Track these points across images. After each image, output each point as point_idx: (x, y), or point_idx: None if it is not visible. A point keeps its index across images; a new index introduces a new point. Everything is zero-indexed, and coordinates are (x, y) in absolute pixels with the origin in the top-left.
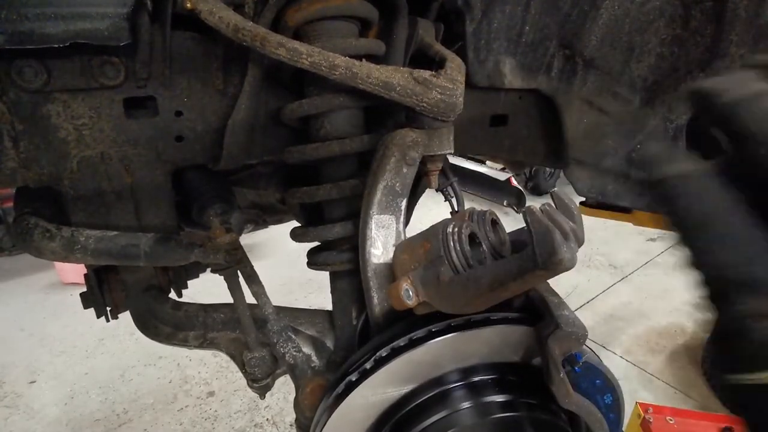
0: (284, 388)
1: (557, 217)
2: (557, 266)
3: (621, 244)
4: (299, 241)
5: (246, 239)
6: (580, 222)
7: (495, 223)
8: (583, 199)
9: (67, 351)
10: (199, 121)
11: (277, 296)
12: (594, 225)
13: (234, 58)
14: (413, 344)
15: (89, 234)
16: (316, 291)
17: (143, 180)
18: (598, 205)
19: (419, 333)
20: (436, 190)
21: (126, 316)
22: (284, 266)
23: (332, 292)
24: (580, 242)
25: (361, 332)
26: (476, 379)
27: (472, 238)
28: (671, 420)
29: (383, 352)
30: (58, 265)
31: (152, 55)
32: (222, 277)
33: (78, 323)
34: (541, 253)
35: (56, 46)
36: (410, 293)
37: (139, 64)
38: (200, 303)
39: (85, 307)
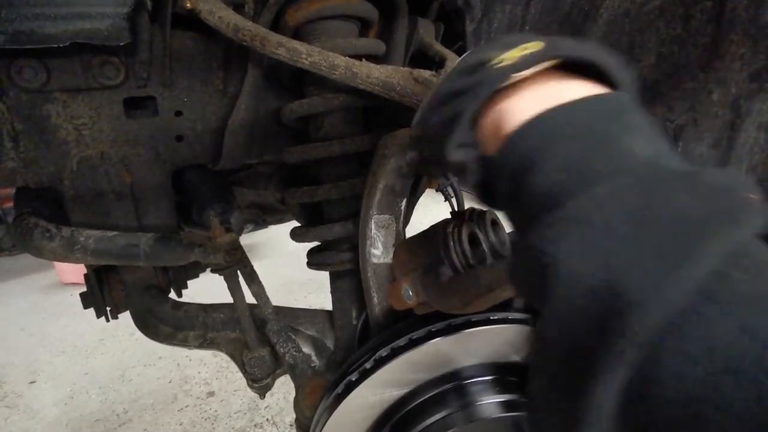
0: (284, 388)
1: None
2: None
3: None
4: (299, 241)
5: (246, 239)
6: None
7: (495, 223)
8: None
9: (67, 351)
10: (199, 121)
11: (277, 296)
12: None
13: (234, 58)
14: (413, 344)
15: (89, 234)
16: (316, 291)
17: (143, 180)
18: None
19: (419, 333)
20: (436, 190)
21: (126, 316)
22: (284, 266)
23: (332, 292)
24: None
25: (361, 332)
26: (476, 379)
27: (472, 238)
28: None
29: (383, 352)
30: (58, 265)
31: (152, 55)
32: (222, 277)
33: (78, 323)
34: None
35: (56, 45)
36: (410, 293)
37: (138, 63)
38: (200, 303)
39: (85, 307)
